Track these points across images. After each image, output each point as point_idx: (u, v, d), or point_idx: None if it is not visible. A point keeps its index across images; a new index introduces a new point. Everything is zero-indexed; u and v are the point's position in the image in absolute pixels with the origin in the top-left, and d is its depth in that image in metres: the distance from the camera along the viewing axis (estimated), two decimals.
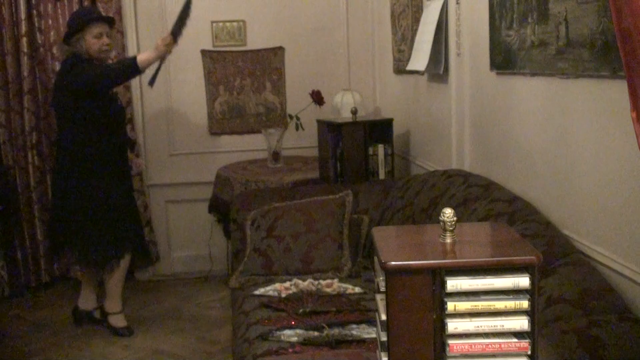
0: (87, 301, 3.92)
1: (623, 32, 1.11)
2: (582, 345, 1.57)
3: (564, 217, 2.23)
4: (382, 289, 1.36)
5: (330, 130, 3.87)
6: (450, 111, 3.21)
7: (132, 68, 3.52)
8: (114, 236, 3.69)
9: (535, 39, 2.30)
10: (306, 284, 2.89)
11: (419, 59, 3.39)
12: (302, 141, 4.63)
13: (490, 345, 1.29)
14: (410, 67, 3.56)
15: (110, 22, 3.71)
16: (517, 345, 1.29)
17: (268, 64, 4.76)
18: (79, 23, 3.57)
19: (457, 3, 3.06)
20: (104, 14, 4.02)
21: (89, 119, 3.58)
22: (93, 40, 3.56)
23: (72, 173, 3.63)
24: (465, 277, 1.28)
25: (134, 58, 3.56)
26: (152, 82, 3.66)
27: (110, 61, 4.00)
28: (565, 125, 2.19)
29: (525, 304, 1.28)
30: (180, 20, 3.68)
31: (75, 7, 4.38)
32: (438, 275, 1.29)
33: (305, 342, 2.35)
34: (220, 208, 4.19)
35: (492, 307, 1.28)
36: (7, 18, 4.32)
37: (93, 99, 3.56)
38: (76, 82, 3.54)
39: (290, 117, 4.44)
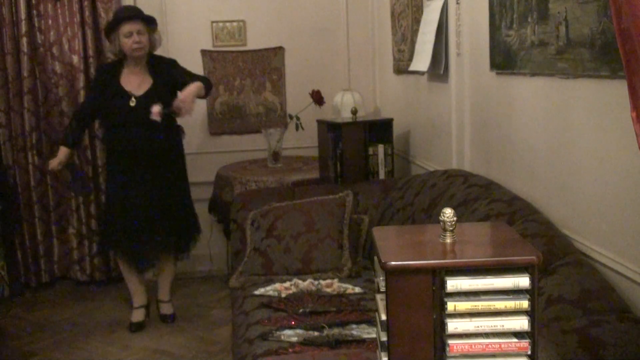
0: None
1: (623, 32, 1.11)
2: (582, 345, 1.57)
3: (564, 217, 2.23)
4: (382, 289, 1.35)
5: (330, 130, 3.87)
6: (450, 111, 3.21)
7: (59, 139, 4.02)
8: (110, 233, 3.83)
9: (535, 39, 2.30)
10: (306, 284, 2.89)
11: (421, 60, 3.39)
12: (302, 141, 4.62)
13: (490, 345, 1.29)
14: (412, 67, 3.56)
15: (145, 19, 3.69)
16: (517, 345, 1.29)
17: (268, 64, 4.76)
18: (111, 23, 3.72)
19: (457, 3, 3.06)
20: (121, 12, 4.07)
21: (102, 120, 3.89)
22: (124, 39, 3.60)
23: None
24: (465, 277, 1.28)
25: (62, 142, 3.83)
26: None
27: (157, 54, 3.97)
28: (566, 125, 2.19)
29: (525, 304, 1.28)
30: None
31: (75, 7, 4.39)
32: (438, 275, 1.29)
33: (305, 342, 2.35)
34: (220, 208, 4.18)
35: (492, 307, 1.28)
36: (7, 18, 4.32)
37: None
38: None
39: (290, 117, 4.43)
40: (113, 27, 3.64)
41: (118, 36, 3.62)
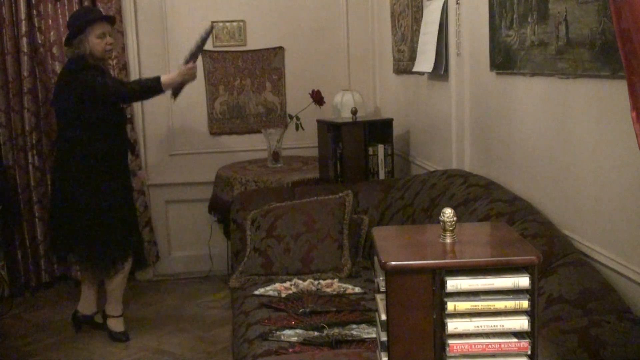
0: (87, 305, 3.83)
1: (623, 32, 1.11)
2: (582, 345, 1.57)
3: (564, 217, 2.23)
4: (382, 289, 1.36)
5: (330, 130, 3.87)
6: (450, 111, 3.21)
7: (156, 89, 3.52)
8: (120, 238, 3.66)
9: (535, 39, 2.30)
10: (306, 284, 2.89)
11: (425, 60, 3.39)
12: (302, 141, 4.62)
13: (490, 345, 1.29)
14: (416, 68, 3.56)
15: (111, 21, 3.66)
16: (517, 345, 1.29)
17: (268, 64, 4.76)
18: (81, 24, 3.49)
19: (457, 3, 3.06)
20: (104, 13, 3.96)
21: (92, 122, 3.51)
22: (96, 40, 3.48)
23: (74, 174, 3.56)
24: (465, 277, 1.28)
25: (159, 79, 3.51)
26: (175, 95, 3.73)
27: (111, 61, 3.99)
28: (565, 125, 2.19)
29: (525, 304, 1.28)
30: (199, 47, 3.68)
31: (76, 7, 4.38)
32: (438, 275, 1.29)
33: (305, 342, 2.35)
34: (220, 208, 4.18)
35: (492, 307, 1.28)
36: (7, 18, 4.32)
37: (98, 104, 3.49)
38: (87, 88, 3.47)
39: (290, 117, 4.43)
40: (85, 27, 3.46)
41: (87, 37, 3.47)
